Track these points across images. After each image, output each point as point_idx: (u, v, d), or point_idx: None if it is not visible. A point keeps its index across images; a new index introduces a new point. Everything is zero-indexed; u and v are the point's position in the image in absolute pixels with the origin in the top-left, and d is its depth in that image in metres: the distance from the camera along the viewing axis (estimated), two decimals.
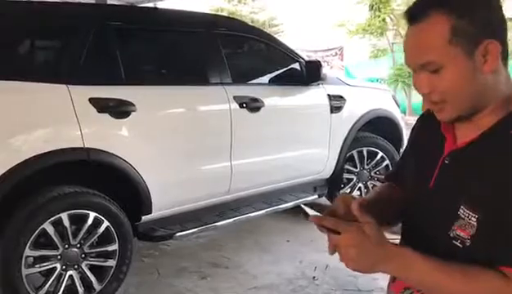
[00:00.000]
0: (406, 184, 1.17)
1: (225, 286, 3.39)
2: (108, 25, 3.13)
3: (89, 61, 2.97)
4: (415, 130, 1.22)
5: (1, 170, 2.58)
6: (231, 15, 22.05)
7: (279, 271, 3.60)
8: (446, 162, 1.03)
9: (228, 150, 3.53)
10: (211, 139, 3.48)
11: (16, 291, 2.70)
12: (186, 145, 3.34)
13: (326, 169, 4.32)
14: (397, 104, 5.09)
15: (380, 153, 4.66)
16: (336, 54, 16.19)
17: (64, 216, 2.81)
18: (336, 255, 0.97)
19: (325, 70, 4.29)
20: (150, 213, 3.22)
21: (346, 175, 4.61)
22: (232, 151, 3.54)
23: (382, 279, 3.42)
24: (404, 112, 11.13)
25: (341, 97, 4.34)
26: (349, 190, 4.61)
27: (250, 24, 4.42)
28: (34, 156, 2.68)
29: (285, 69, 4.16)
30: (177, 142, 3.30)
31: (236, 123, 3.53)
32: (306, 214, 1.03)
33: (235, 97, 3.54)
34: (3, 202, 2.65)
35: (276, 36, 5.33)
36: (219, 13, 21.10)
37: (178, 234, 3.34)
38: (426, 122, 1.14)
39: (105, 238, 3.01)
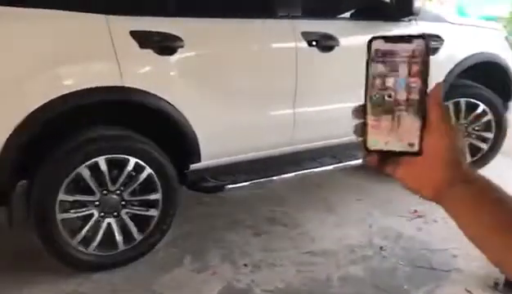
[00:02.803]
0: None
1: (278, 246, 3.05)
2: None
3: None
4: None
5: (32, 105, 2.37)
6: None
7: (342, 235, 3.18)
8: None
9: (292, 95, 3.07)
10: (271, 81, 3.03)
11: (51, 235, 2.57)
12: (241, 88, 2.93)
13: None
14: (511, 47, 4.21)
15: (482, 106, 3.91)
16: None
17: (101, 161, 2.58)
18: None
19: (420, 3, 3.56)
20: (199, 162, 2.91)
21: None
22: (296, 96, 3.07)
23: (461, 258, 2.90)
24: None
25: (438, 37, 3.62)
26: None
27: None
28: (67, 93, 2.43)
29: (370, 1, 3.51)
30: (230, 84, 2.90)
31: (303, 64, 3.03)
32: None
33: (303, 33, 3.02)
34: (37, 143, 2.47)
35: None
36: None
37: (229, 187, 3.02)
38: None
39: (148, 186, 2.76)
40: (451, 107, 3.88)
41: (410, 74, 0.57)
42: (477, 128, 3.99)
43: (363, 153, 0.63)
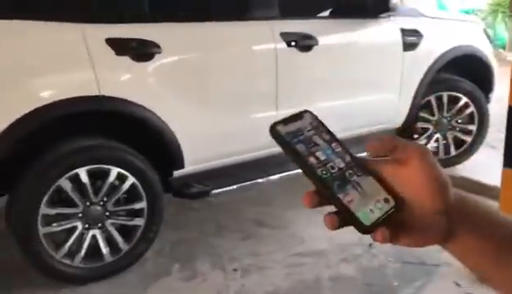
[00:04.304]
0: None
1: (267, 250, 3.03)
2: None
3: None
4: None
5: (8, 119, 2.33)
6: None
7: (331, 235, 3.14)
8: None
9: (274, 97, 3.05)
10: (252, 84, 3.02)
11: (34, 249, 2.52)
12: (222, 92, 2.91)
13: (396, 118, 3.71)
14: (489, 39, 4.24)
15: (464, 99, 3.93)
16: None
17: (81, 172, 2.54)
18: None
19: (396, 0, 3.58)
20: (183, 167, 2.88)
21: (421, 125, 3.96)
22: (278, 98, 3.06)
23: None
24: (503, 47, 9.77)
25: (417, 32, 3.64)
26: (425, 142, 3.96)
27: None
28: (44, 105, 2.39)
29: None
30: (210, 88, 2.88)
31: (283, 65, 3.02)
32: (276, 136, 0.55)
33: (282, 34, 3.01)
34: (14, 158, 2.43)
35: None
36: None
37: (216, 191, 2.99)
38: None
39: (132, 196, 2.73)
40: (434, 101, 3.91)
41: (327, 142, 0.54)
42: (460, 121, 4.01)
43: (367, 234, 0.53)
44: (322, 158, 0.53)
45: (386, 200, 0.53)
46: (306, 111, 0.57)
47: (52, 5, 2.54)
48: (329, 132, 0.55)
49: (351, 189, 0.53)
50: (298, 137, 0.53)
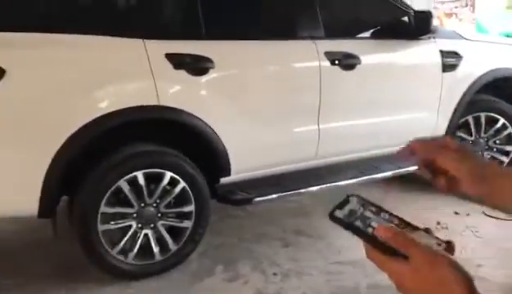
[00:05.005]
0: None
1: (306, 257, 3.17)
2: None
3: (167, 14, 2.83)
4: None
5: (76, 125, 2.57)
6: None
7: None
8: None
9: (316, 112, 3.22)
10: (296, 99, 3.19)
11: (93, 246, 2.74)
12: (269, 105, 3.10)
13: (434, 136, 3.81)
14: None
15: (502, 120, 4.00)
16: (467, 5, 14.48)
17: (139, 175, 2.76)
18: None
19: (436, 22, 3.71)
20: (229, 175, 3.07)
21: None
22: (320, 113, 3.23)
23: (487, 267, 2.97)
24: None
25: (456, 54, 3.75)
26: None
27: None
28: (109, 113, 2.63)
29: (389, 20, 3.67)
30: (258, 102, 3.08)
31: (326, 82, 3.19)
32: (335, 220, 0.71)
33: (326, 53, 3.19)
34: (81, 159, 2.66)
35: None
36: None
37: (257, 199, 3.16)
38: None
39: (182, 199, 2.93)
40: (472, 121, 3.98)
41: (375, 213, 0.69)
42: (497, 142, 4.07)
43: None
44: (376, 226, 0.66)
45: (438, 244, 0.65)
46: (352, 195, 0.72)
47: (117, 22, 2.80)
48: (374, 205, 0.70)
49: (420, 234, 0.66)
50: (353, 216, 0.68)
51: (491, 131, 4.03)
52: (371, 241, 0.65)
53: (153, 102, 2.72)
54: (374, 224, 0.66)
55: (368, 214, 0.68)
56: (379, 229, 0.65)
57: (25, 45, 2.56)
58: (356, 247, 2.99)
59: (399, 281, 0.64)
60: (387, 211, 0.69)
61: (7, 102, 2.48)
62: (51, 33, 2.60)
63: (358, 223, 0.67)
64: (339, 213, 0.69)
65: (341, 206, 0.70)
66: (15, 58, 2.51)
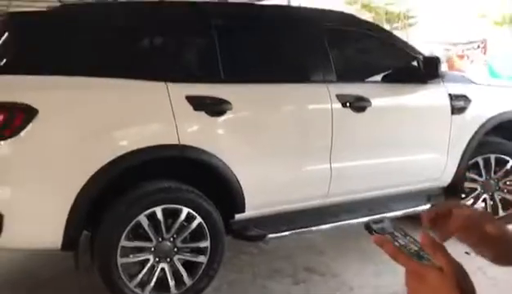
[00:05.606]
0: None
1: None
2: (209, 23, 3.15)
3: (188, 59, 3.01)
4: None
5: (100, 163, 2.73)
6: (364, 7, 21.33)
7: (378, 284, 3.33)
8: None
9: (328, 152, 3.35)
10: (309, 139, 3.33)
11: (113, 277, 2.85)
12: (283, 145, 3.24)
13: (443, 177, 3.90)
14: None
15: (511, 162, 4.08)
16: (478, 47, 14.70)
17: (158, 210, 2.89)
18: None
19: (447, 65, 3.86)
20: (244, 212, 3.18)
21: (468, 185, 4.12)
22: (332, 153, 3.35)
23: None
24: None
25: (465, 97, 3.88)
26: (471, 201, 4.11)
27: (362, 18, 4.16)
28: (131, 151, 2.79)
29: (398, 65, 3.83)
30: (273, 142, 3.22)
31: (338, 123, 3.33)
32: (370, 230, 0.84)
33: (338, 96, 3.35)
34: (103, 195, 2.81)
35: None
36: (352, 6, 20.58)
37: (271, 236, 3.26)
38: None
39: (198, 234, 3.04)
40: (481, 163, 4.07)
41: (403, 235, 0.82)
42: (508, 183, 4.14)
43: None
44: (402, 243, 0.80)
45: None
46: (385, 217, 0.87)
47: (142, 66, 3.00)
48: (402, 229, 0.83)
49: (425, 259, 0.78)
50: (384, 232, 0.82)
51: (501, 173, 4.11)
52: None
53: (173, 141, 2.87)
54: (401, 241, 0.79)
55: (396, 233, 0.81)
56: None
57: (56, 87, 2.76)
58: (368, 286, 3.08)
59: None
60: (412, 236, 0.82)
61: (38, 140, 2.66)
62: (80, 76, 2.80)
63: (388, 237, 0.81)
64: (374, 225, 0.83)
65: (376, 222, 0.84)
66: (47, 99, 2.70)
